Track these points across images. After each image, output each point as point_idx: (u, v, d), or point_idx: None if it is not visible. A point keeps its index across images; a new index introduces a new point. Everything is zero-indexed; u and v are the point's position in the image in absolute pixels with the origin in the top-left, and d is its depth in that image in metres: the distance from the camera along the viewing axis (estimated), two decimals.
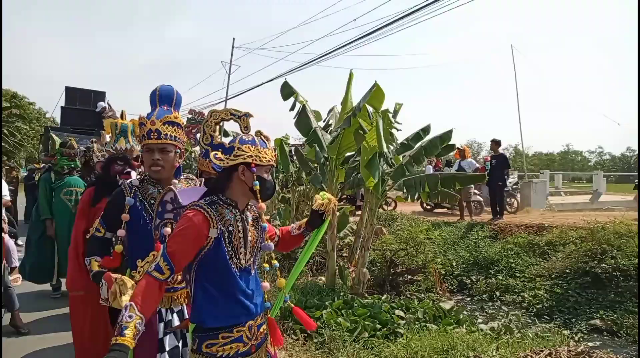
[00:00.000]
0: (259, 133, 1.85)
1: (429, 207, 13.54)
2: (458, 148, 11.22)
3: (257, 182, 1.76)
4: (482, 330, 4.91)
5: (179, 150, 2.33)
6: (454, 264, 8.54)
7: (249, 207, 1.92)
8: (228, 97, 20.34)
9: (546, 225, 8.84)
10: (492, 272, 8.14)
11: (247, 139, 1.80)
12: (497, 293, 7.59)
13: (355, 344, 4.11)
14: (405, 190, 5.78)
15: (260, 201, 1.80)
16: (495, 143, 10.68)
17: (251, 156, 1.76)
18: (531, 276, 7.69)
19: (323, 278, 6.22)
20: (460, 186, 6.05)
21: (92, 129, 10.80)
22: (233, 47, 18.18)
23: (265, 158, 1.80)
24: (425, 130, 7.38)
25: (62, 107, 11.70)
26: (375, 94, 5.23)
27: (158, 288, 1.65)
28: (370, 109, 5.30)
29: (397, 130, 6.23)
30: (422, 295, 6.55)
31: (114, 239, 2.36)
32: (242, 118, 1.86)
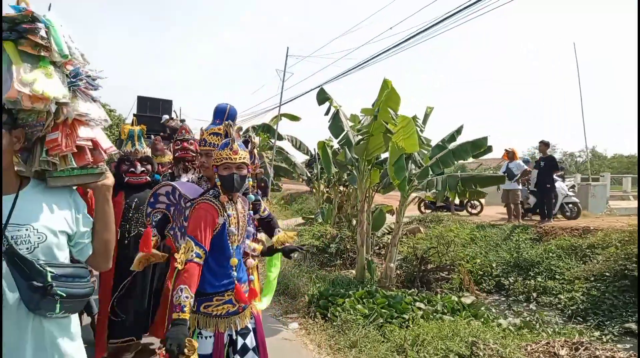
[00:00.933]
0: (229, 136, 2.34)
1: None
2: (506, 150, 11.21)
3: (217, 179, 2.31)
4: (500, 324, 5.14)
5: None
6: (494, 265, 8.63)
7: (239, 199, 2.46)
8: (282, 103, 21.21)
9: (591, 228, 8.68)
10: (532, 274, 8.14)
11: (219, 145, 2.36)
12: (534, 295, 7.63)
13: (369, 328, 4.54)
14: (427, 190, 6.10)
15: (231, 193, 2.34)
16: (544, 145, 10.58)
17: (215, 159, 2.31)
18: (570, 279, 7.64)
19: (353, 272, 6.68)
20: (480, 187, 6.25)
21: (163, 135, 11.97)
22: (287, 56, 18.97)
23: (220, 157, 2.28)
24: (459, 131, 7.64)
25: (134, 114, 13.02)
26: (390, 96, 5.63)
27: (199, 270, 2.17)
28: (392, 111, 5.69)
29: (421, 131, 6.53)
30: (451, 292, 6.81)
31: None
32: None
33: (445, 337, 4.17)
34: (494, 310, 6.32)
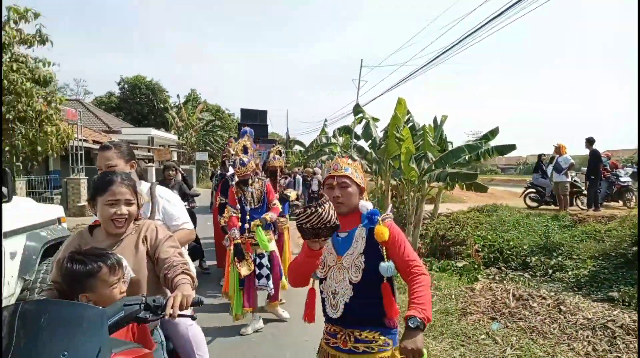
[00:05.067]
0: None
1: (534, 204, 14.08)
2: (555, 146, 12.13)
3: None
4: (477, 279, 6.84)
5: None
6: (525, 246, 9.91)
7: (255, 185, 4.68)
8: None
9: (618, 216, 9.54)
10: (555, 255, 9.32)
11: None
12: (550, 271, 8.87)
13: None
14: (438, 181, 7.91)
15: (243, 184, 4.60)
16: (589, 141, 11.37)
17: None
18: (584, 259, 8.74)
19: None
20: (460, 181, 7.89)
21: (258, 139, 14.96)
22: (361, 66, 21.13)
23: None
24: (493, 132, 9.20)
25: (238, 123, 16.22)
26: (401, 111, 7.56)
27: (236, 218, 4.54)
28: (399, 124, 7.63)
29: (427, 139, 8.28)
30: (464, 261, 8.47)
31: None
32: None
33: None
34: (484, 275, 7.89)
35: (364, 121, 8.58)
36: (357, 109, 8.59)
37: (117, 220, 1.93)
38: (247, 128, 5.21)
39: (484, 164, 66.15)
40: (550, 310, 4.40)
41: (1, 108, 2.46)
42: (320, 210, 1.75)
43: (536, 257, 9.60)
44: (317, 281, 2.09)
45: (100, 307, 1.49)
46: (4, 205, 3.53)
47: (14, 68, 8.34)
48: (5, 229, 3.45)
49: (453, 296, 5.27)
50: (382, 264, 1.87)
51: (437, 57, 11.88)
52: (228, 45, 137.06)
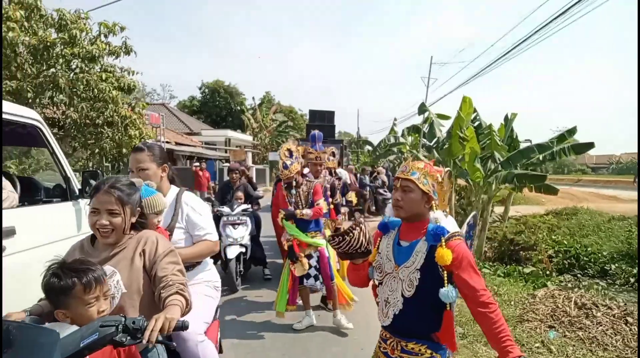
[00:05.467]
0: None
1: None
2: None
3: None
4: (546, 285, 6.54)
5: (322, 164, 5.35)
6: (605, 253, 9.24)
7: (302, 187, 4.82)
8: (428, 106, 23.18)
9: None
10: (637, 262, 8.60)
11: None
12: (632, 280, 8.21)
13: None
14: (504, 183, 7.65)
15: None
16: None
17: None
18: None
19: None
20: (527, 183, 7.48)
21: (326, 139, 15.22)
22: (431, 63, 20.64)
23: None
24: (571, 131, 8.75)
25: (307, 125, 16.57)
26: (466, 110, 7.39)
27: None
28: (464, 124, 7.47)
29: (494, 138, 7.99)
30: (534, 267, 8.09)
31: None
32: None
33: None
34: (555, 282, 7.45)
35: (430, 120, 8.49)
36: (422, 108, 8.52)
37: (99, 230, 1.82)
38: (316, 131, 5.37)
39: (571, 164, 61.82)
40: (615, 321, 4.14)
41: (1, 109, 2.31)
42: (348, 238, 1.81)
43: (617, 265, 8.92)
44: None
45: (57, 330, 1.38)
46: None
47: (103, 77, 9.23)
48: None
49: (512, 302, 5.11)
50: (442, 290, 1.75)
51: (508, 52, 11.37)
52: (301, 47, 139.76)
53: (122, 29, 9.55)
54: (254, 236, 6.43)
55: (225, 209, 6.22)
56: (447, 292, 1.74)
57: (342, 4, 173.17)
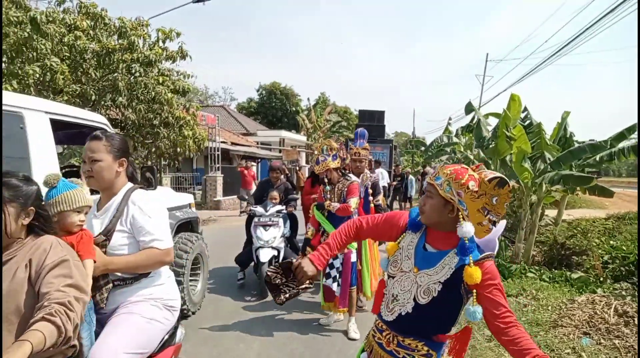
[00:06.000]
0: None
1: None
2: None
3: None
4: (595, 292, 6.22)
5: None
6: None
7: (339, 185, 4.92)
8: (481, 105, 22.33)
9: None
10: None
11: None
12: None
13: None
14: (551, 184, 7.34)
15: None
16: None
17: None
18: None
19: None
20: (572, 184, 7.07)
21: (375, 139, 15.21)
22: (487, 61, 19.99)
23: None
24: (631, 129, 8.27)
25: (356, 124, 16.67)
26: (514, 108, 7.16)
27: None
28: (510, 122, 7.24)
29: (544, 138, 7.66)
30: (586, 274, 7.67)
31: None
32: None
33: (513, 288, 5.83)
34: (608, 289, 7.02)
35: (477, 119, 8.30)
36: (469, 108, 8.32)
37: None
38: (359, 129, 5.42)
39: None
40: None
41: (1, 108, 2.34)
42: (269, 279, 1.96)
43: None
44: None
45: None
46: (152, 191, 4.41)
47: (160, 81, 9.80)
48: None
49: (550, 307, 4.93)
50: (470, 308, 1.67)
51: (562, 48, 10.83)
52: (360, 48, 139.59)
53: (178, 34, 10.07)
54: (290, 238, 6.22)
55: (259, 209, 5.92)
56: (474, 311, 1.66)
57: (401, 6, 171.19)
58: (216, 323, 4.66)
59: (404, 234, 1.92)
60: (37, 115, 3.15)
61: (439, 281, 1.72)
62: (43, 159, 3.09)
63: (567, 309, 4.64)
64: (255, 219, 5.83)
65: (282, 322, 4.79)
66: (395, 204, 15.42)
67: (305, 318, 4.91)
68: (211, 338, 4.28)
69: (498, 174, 1.70)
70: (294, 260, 1.95)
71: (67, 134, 4.37)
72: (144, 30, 9.72)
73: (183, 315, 4.98)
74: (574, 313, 4.45)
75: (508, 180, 1.70)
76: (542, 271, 6.96)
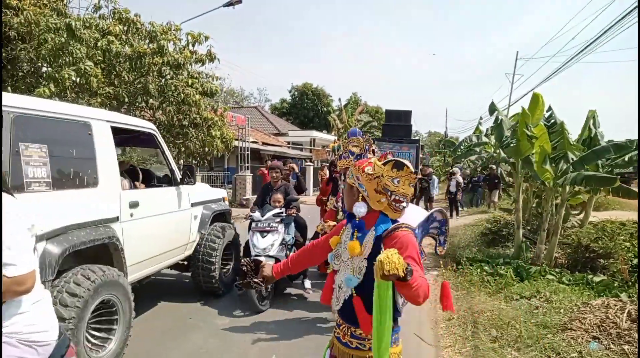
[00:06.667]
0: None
1: None
2: None
3: None
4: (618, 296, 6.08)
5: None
6: None
7: None
8: (510, 104, 22.00)
9: None
10: None
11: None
12: None
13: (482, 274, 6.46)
14: (573, 185, 7.20)
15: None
16: None
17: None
18: None
19: (513, 249, 8.21)
20: (594, 185, 6.86)
21: (402, 139, 15.13)
22: (516, 59, 19.57)
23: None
24: None
25: (382, 124, 16.58)
26: (537, 107, 7.06)
27: (334, 213, 5.13)
28: (531, 122, 7.13)
29: (566, 137, 7.49)
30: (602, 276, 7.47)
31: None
32: None
33: (527, 290, 5.78)
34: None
35: (499, 119, 8.20)
36: (492, 108, 8.23)
37: None
38: (353, 129, 5.51)
39: None
40: None
41: (1, 107, 2.68)
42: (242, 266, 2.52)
43: None
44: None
45: None
46: (191, 187, 5.28)
47: (190, 83, 10.14)
48: (192, 201, 5.29)
49: (562, 310, 4.88)
50: (348, 274, 1.94)
51: (589, 45, 10.51)
52: (393, 48, 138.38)
53: (207, 38, 10.39)
54: (298, 245, 5.62)
55: (256, 214, 5.42)
56: (349, 279, 1.92)
57: (432, 6, 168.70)
58: (227, 315, 4.89)
59: (345, 228, 2.12)
60: (101, 124, 3.80)
61: (364, 258, 1.90)
62: (106, 159, 3.77)
63: (579, 312, 4.58)
64: (253, 224, 5.37)
65: (292, 321, 4.95)
66: (421, 204, 15.32)
67: (315, 317, 5.05)
68: (222, 332, 4.49)
69: (394, 158, 1.95)
70: (263, 261, 2.26)
71: (122, 138, 5.08)
72: (173, 35, 10.08)
73: (215, 294, 5.49)
74: (585, 316, 4.39)
75: (405, 163, 1.91)
76: (562, 273, 6.84)
